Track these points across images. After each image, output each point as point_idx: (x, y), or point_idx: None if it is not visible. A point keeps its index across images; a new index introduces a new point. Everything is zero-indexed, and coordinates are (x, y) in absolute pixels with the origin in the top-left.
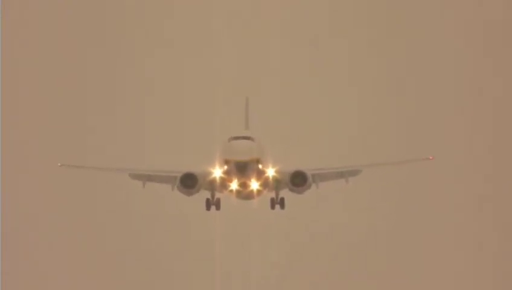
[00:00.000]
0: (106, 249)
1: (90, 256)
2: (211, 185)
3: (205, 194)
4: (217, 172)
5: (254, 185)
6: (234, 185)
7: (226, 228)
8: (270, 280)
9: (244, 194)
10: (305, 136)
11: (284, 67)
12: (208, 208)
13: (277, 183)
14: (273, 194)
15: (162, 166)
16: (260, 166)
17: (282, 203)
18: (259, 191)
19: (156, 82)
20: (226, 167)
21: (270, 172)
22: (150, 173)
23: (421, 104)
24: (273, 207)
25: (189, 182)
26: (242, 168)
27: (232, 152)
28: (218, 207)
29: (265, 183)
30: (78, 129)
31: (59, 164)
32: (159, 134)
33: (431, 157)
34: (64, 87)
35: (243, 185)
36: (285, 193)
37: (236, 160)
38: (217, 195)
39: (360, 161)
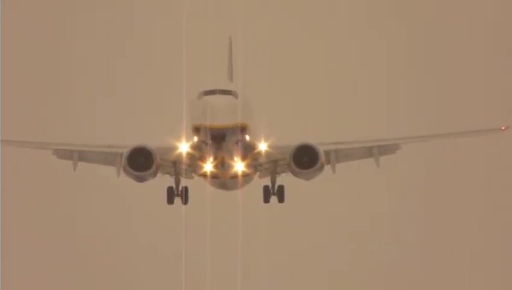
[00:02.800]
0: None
1: None
2: (175, 167)
3: (166, 181)
4: (183, 146)
5: (238, 165)
6: (209, 165)
7: (196, 231)
8: None
9: (224, 179)
10: (314, 96)
11: None
12: (170, 200)
13: (273, 164)
14: (267, 181)
15: (103, 139)
16: (248, 137)
17: (280, 193)
18: (246, 176)
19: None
20: (196, 138)
21: (262, 147)
22: (81, 148)
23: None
24: (267, 200)
25: (140, 161)
26: (220, 139)
27: (206, 114)
28: (185, 199)
29: (255, 164)
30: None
31: None
32: (100, 93)
33: (503, 128)
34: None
35: (222, 165)
36: (285, 180)
37: (212, 126)
38: (184, 182)
39: (393, 133)
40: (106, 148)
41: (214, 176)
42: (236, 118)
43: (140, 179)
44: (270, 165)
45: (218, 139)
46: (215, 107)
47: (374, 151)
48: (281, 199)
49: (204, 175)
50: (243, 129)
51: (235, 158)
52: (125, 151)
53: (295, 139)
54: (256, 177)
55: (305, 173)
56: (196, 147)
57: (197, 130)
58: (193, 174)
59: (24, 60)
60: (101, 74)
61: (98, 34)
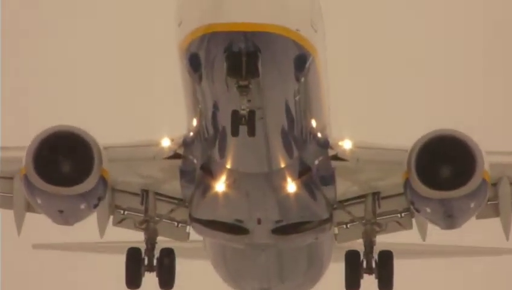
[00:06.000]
0: None
1: None
2: (145, 197)
3: (125, 232)
4: (164, 141)
5: (291, 186)
6: (221, 184)
7: None
8: None
9: (257, 240)
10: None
11: None
12: (133, 280)
13: (370, 199)
14: (355, 245)
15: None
16: (314, 81)
17: (385, 269)
18: (311, 229)
19: None
20: (186, 78)
21: (347, 144)
22: None
23: None
24: (354, 283)
25: (65, 164)
26: (248, 63)
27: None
28: (165, 281)
29: (328, 191)
30: None
31: None
32: None
33: None
34: None
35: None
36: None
37: (227, 25)
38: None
39: None
40: None
41: (236, 229)
42: (283, 15)
43: (65, 213)
44: (365, 202)
45: (241, 63)
46: None
47: None
48: (385, 283)
49: (216, 224)
50: (302, 51)
51: (283, 145)
52: (31, 143)
53: (412, 136)
54: (331, 236)
55: (443, 202)
56: (192, 140)
57: (190, 50)
58: (187, 221)
59: None
60: None
61: None
